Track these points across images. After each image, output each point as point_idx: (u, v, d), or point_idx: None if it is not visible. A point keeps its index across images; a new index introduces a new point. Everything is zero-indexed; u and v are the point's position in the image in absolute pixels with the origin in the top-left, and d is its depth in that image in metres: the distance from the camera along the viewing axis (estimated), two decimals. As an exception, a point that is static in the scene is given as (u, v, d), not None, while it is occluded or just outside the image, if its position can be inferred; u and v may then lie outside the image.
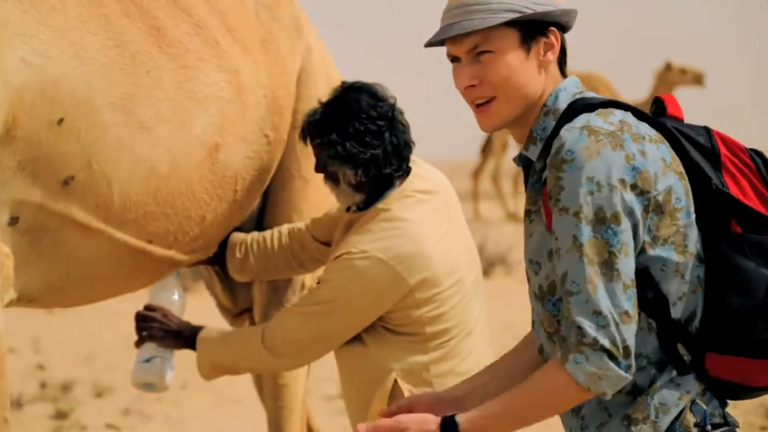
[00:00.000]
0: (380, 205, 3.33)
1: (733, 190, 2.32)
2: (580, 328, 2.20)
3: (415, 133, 3.44)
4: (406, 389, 3.29)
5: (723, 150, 2.36)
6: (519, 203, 17.88)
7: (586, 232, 2.22)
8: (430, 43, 2.41)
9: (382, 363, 3.31)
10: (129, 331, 3.68)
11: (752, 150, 2.39)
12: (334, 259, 3.34)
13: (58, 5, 3.16)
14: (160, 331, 3.52)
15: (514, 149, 17.52)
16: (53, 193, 3.19)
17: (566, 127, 2.28)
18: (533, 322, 2.44)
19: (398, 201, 3.32)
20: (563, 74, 2.42)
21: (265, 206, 3.96)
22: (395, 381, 3.29)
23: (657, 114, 2.44)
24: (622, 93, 16.28)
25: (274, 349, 3.35)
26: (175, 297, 3.62)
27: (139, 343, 3.56)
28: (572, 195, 2.22)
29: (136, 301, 3.92)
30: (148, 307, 3.58)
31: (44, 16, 3.12)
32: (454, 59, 2.39)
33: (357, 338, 3.35)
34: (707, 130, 2.39)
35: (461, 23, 2.33)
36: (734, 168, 2.35)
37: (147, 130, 3.30)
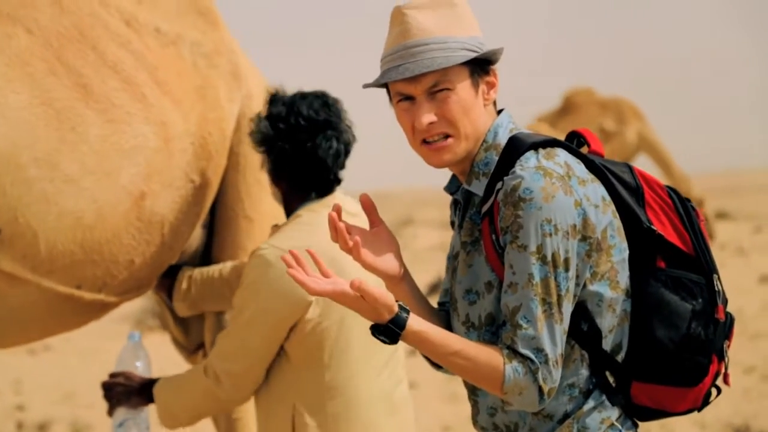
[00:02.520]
0: (299, 211, 3.46)
1: (657, 227, 2.45)
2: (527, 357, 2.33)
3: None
4: (302, 422, 3.38)
5: (645, 187, 2.48)
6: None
7: (543, 272, 2.31)
8: (374, 84, 2.43)
9: (282, 395, 3.42)
10: (109, 369, 3.75)
11: (668, 187, 2.51)
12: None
13: None
14: (124, 394, 3.57)
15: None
16: None
17: (520, 166, 2.35)
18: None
19: (314, 211, 3.44)
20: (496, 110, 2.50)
21: (211, 244, 4.08)
22: (293, 415, 3.40)
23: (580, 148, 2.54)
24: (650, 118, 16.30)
25: (218, 379, 3.44)
26: (138, 364, 3.66)
27: (111, 411, 3.61)
28: (531, 234, 2.31)
29: (116, 340, 3.96)
30: (111, 375, 3.62)
31: None
32: (405, 98, 2.41)
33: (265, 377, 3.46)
34: (629, 167, 2.50)
35: (421, 62, 2.35)
36: (656, 205, 2.47)
37: (73, 183, 3.43)
